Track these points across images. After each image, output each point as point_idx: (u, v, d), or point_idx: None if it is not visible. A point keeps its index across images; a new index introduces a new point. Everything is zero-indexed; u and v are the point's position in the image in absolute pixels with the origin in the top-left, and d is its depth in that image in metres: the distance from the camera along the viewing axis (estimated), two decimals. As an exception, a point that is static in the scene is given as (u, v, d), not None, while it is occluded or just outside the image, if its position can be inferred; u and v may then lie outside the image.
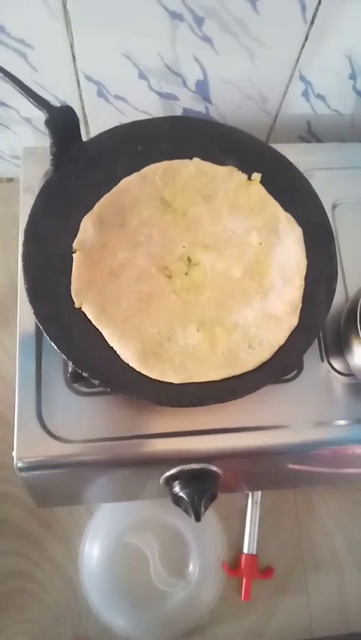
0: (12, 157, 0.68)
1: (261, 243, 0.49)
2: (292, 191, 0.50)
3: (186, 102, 0.60)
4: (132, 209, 0.48)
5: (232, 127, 0.52)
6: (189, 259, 0.48)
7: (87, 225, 0.47)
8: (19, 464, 0.45)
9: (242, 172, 0.51)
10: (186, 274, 0.48)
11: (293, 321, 0.46)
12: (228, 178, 0.50)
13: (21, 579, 0.60)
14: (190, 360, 0.44)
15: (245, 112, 0.61)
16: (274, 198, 0.50)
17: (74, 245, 0.46)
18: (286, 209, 0.50)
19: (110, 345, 0.44)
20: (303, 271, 0.48)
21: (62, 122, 0.45)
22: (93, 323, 0.45)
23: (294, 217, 0.49)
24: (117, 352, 0.44)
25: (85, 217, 0.47)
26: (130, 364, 0.44)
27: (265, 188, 0.50)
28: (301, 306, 0.47)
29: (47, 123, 0.44)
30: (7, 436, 0.47)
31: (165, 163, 0.50)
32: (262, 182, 0.50)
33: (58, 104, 0.46)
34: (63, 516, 0.62)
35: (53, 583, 0.60)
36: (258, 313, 0.47)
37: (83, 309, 0.45)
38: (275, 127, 0.64)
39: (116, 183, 0.49)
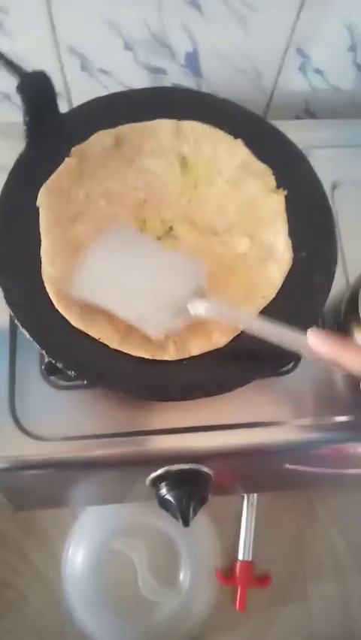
0: (-8, 138, 0.64)
1: (245, 254, 0.44)
2: (290, 169, 0.47)
3: (176, 77, 0.56)
4: (151, 151, 0.45)
5: (223, 98, 0.48)
6: (170, 228, 0.44)
7: (102, 136, 0.45)
8: (-9, 464, 0.41)
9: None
10: (158, 239, 0.44)
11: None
12: (260, 177, 0.47)
13: (-1, 588, 0.56)
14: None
15: (239, 88, 0.57)
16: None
17: (73, 150, 0.44)
18: (282, 188, 0.46)
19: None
20: (263, 303, 0.43)
21: (36, 88, 0.41)
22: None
23: (291, 196, 0.46)
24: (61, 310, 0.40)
25: (103, 132, 0.45)
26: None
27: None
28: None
29: (19, 89, 0.41)
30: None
31: (206, 127, 0.46)
32: (257, 158, 0.46)
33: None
34: (45, 519, 0.58)
35: (33, 591, 0.56)
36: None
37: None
38: (271, 105, 0.61)
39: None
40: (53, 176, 0.43)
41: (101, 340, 0.40)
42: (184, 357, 0.41)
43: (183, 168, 0.46)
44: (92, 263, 0.42)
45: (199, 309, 0.40)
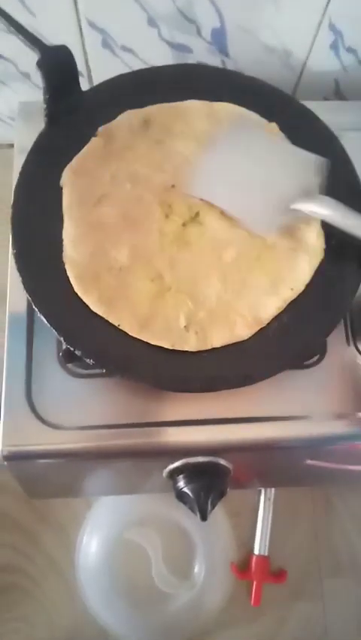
0: (11, 119, 0.63)
1: (274, 243, 0.42)
2: (321, 151, 0.44)
3: (201, 55, 0.54)
4: (181, 133, 0.44)
5: (251, 76, 0.46)
6: (197, 214, 0.43)
7: (131, 116, 0.44)
8: (5, 452, 0.41)
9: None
10: (183, 225, 0.42)
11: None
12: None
13: (12, 574, 0.56)
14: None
15: (266, 67, 0.55)
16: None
17: (100, 130, 0.43)
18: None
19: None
20: (291, 295, 0.41)
21: (57, 64, 0.40)
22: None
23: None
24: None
25: (131, 112, 0.44)
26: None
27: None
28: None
29: (39, 64, 0.39)
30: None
31: (239, 109, 0.45)
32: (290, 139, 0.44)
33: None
34: (59, 508, 0.58)
35: (47, 579, 0.56)
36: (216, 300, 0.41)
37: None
38: (299, 86, 0.58)
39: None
40: (78, 156, 0.42)
41: (120, 327, 0.39)
42: (205, 348, 0.39)
43: None
44: (207, 159, 0.41)
45: (312, 206, 0.39)
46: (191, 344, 0.39)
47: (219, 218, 0.43)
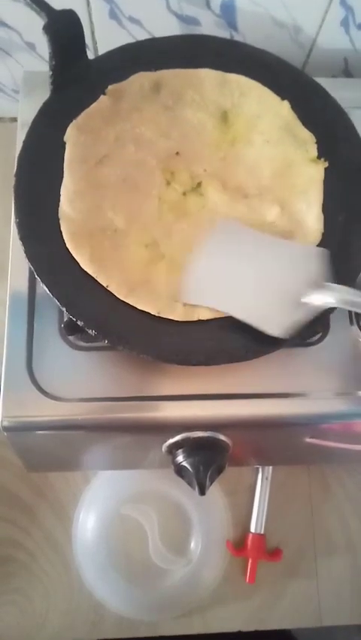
0: (14, 91, 0.62)
1: (273, 222, 0.42)
2: (330, 126, 0.44)
3: (209, 28, 0.53)
4: (191, 100, 0.43)
5: (260, 49, 0.45)
6: (199, 184, 0.42)
7: (142, 78, 0.43)
8: (5, 423, 0.40)
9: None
10: (184, 194, 0.42)
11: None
12: (302, 143, 0.44)
13: (9, 547, 0.56)
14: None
15: (275, 43, 0.54)
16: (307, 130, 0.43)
17: (109, 89, 0.42)
18: (321, 145, 0.43)
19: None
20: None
21: (64, 29, 0.39)
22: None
23: (329, 154, 0.43)
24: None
25: (143, 74, 0.43)
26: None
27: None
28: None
29: (46, 29, 0.38)
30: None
31: (253, 83, 0.44)
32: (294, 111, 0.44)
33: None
34: (57, 482, 0.58)
35: (43, 553, 0.56)
36: None
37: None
38: (308, 63, 0.57)
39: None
40: (83, 113, 0.41)
41: (108, 288, 0.38)
42: (191, 319, 0.39)
43: (223, 123, 0.43)
44: (199, 265, 0.39)
45: (327, 297, 0.37)
46: (178, 313, 0.39)
47: (221, 191, 0.42)
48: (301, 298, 0.37)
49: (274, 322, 0.38)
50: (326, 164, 0.43)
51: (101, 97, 0.42)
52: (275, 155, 0.43)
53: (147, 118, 0.43)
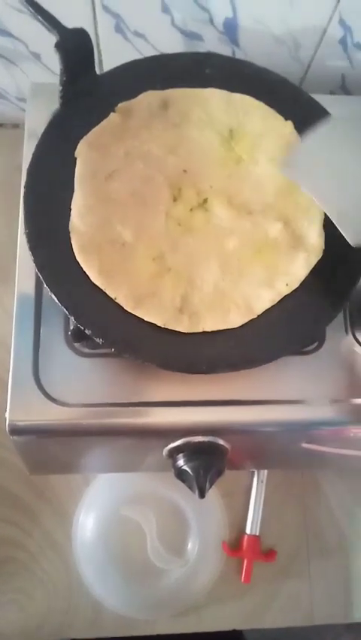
0: (18, 99, 0.63)
1: (275, 238, 0.43)
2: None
3: (212, 44, 0.54)
4: (198, 119, 0.44)
5: (265, 68, 0.47)
6: (205, 201, 0.43)
7: (150, 97, 0.44)
8: (12, 427, 0.41)
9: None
10: (190, 210, 0.43)
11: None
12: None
13: (10, 548, 0.57)
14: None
15: (275, 59, 0.56)
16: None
17: (118, 106, 0.44)
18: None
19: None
20: (286, 290, 0.42)
21: (75, 46, 0.40)
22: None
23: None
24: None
25: (151, 93, 0.44)
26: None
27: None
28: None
29: (58, 46, 0.39)
30: (1, 399, 0.43)
31: (257, 103, 0.45)
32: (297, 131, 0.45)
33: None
34: (58, 484, 0.59)
35: (44, 553, 0.57)
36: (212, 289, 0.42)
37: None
38: (306, 79, 0.59)
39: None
40: (94, 130, 0.42)
41: (116, 300, 0.40)
42: (196, 330, 0.40)
43: (228, 142, 0.45)
44: (311, 143, 0.39)
45: None
46: (183, 325, 0.40)
47: (226, 207, 0.44)
48: None
49: (351, 226, 0.38)
50: None
51: (111, 114, 0.43)
52: (278, 173, 0.44)
53: (156, 135, 0.44)
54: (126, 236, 0.41)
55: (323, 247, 0.43)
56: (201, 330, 0.40)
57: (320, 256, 0.43)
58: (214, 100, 0.45)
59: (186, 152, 0.44)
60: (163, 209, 0.42)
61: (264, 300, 0.42)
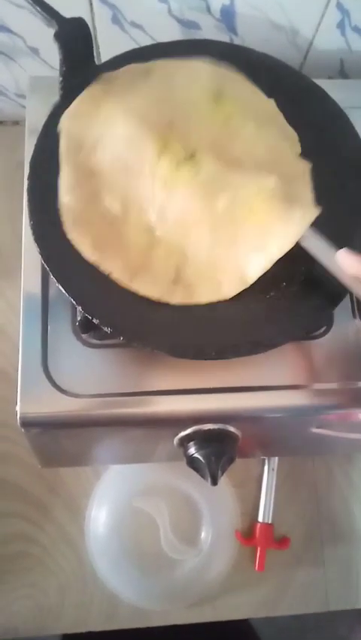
0: (17, 95, 0.63)
1: (272, 190, 0.40)
2: (329, 126, 0.45)
3: (209, 32, 0.54)
4: (182, 83, 0.43)
5: (263, 53, 0.47)
6: (193, 155, 0.41)
7: (133, 66, 0.43)
8: (23, 419, 0.41)
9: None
10: (177, 165, 0.40)
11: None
12: (289, 139, 0.44)
13: (24, 543, 0.57)
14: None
15: (273, 46, 0.55)
16: (309, 132, 0.45)
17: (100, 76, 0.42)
18: (321, 146, 0.45)
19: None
20: (278, 254, 0.40)
21: (74, 36, 0.40)
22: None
23: (328, 154, 0.44)
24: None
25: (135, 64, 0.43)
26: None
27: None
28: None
29: (57, 36, 0.39)
30: (8, 393, 0.43)
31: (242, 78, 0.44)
32: (296, 115, 0.45)
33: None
34: (69, 478, 0.59)
35: (57, 547, 0.57)
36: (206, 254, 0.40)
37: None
38: (305, 64, 0.59)
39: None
40: (75, 101, 0.41)
41: (111, 277, 0.39)
42: (190, 302, 0.40)
43: (215, 103, 0.43)
44: None
45: None
46: (177, 298, 0.40)
47: (216, 161, 0.41)
48: None
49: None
50: (310, 165, 0.43)
51: (92, 84, 0.41)
52: (268, 140, 0.43)
53: (138, 95, 0.42)
54: (115, 208, 0.40)
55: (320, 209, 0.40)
56: (194, 303, 0.40)
57: (316, 214, 0.40)
58: (199, 68, 0.44)
59: (171, 107, 0.42)
60: (148, 169, 0.40)
61: (256, 268, 0.40)
